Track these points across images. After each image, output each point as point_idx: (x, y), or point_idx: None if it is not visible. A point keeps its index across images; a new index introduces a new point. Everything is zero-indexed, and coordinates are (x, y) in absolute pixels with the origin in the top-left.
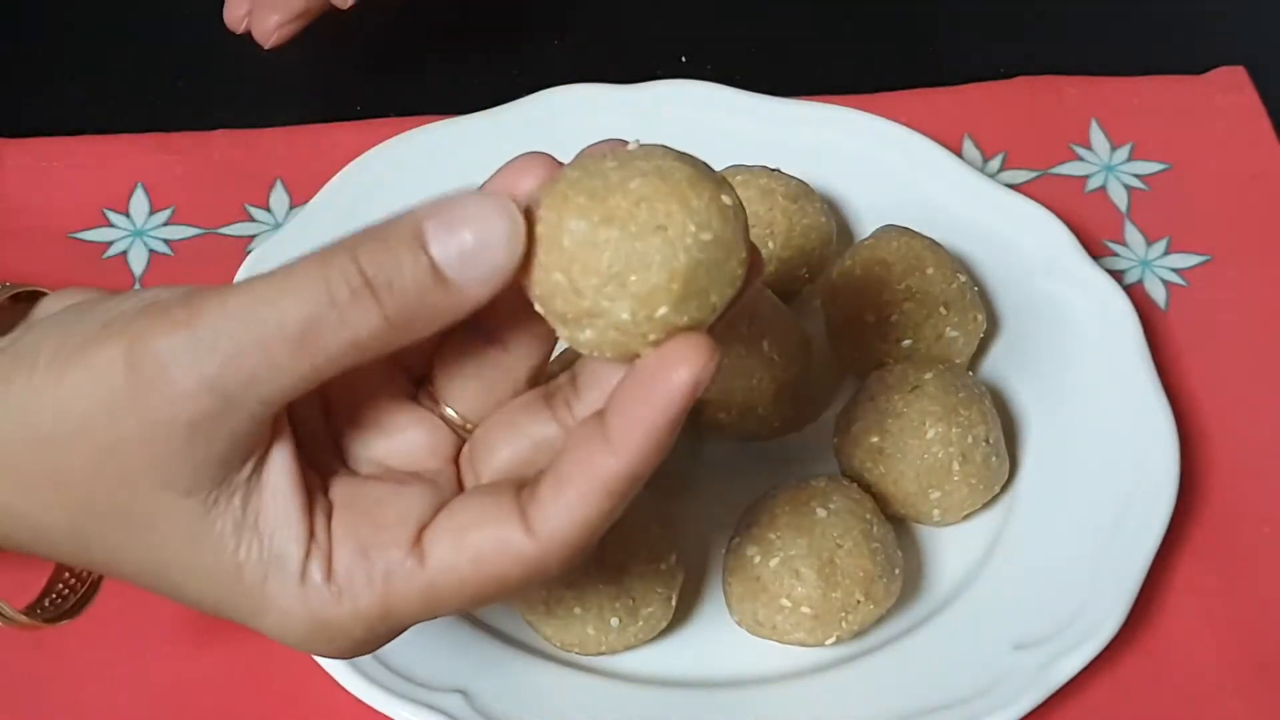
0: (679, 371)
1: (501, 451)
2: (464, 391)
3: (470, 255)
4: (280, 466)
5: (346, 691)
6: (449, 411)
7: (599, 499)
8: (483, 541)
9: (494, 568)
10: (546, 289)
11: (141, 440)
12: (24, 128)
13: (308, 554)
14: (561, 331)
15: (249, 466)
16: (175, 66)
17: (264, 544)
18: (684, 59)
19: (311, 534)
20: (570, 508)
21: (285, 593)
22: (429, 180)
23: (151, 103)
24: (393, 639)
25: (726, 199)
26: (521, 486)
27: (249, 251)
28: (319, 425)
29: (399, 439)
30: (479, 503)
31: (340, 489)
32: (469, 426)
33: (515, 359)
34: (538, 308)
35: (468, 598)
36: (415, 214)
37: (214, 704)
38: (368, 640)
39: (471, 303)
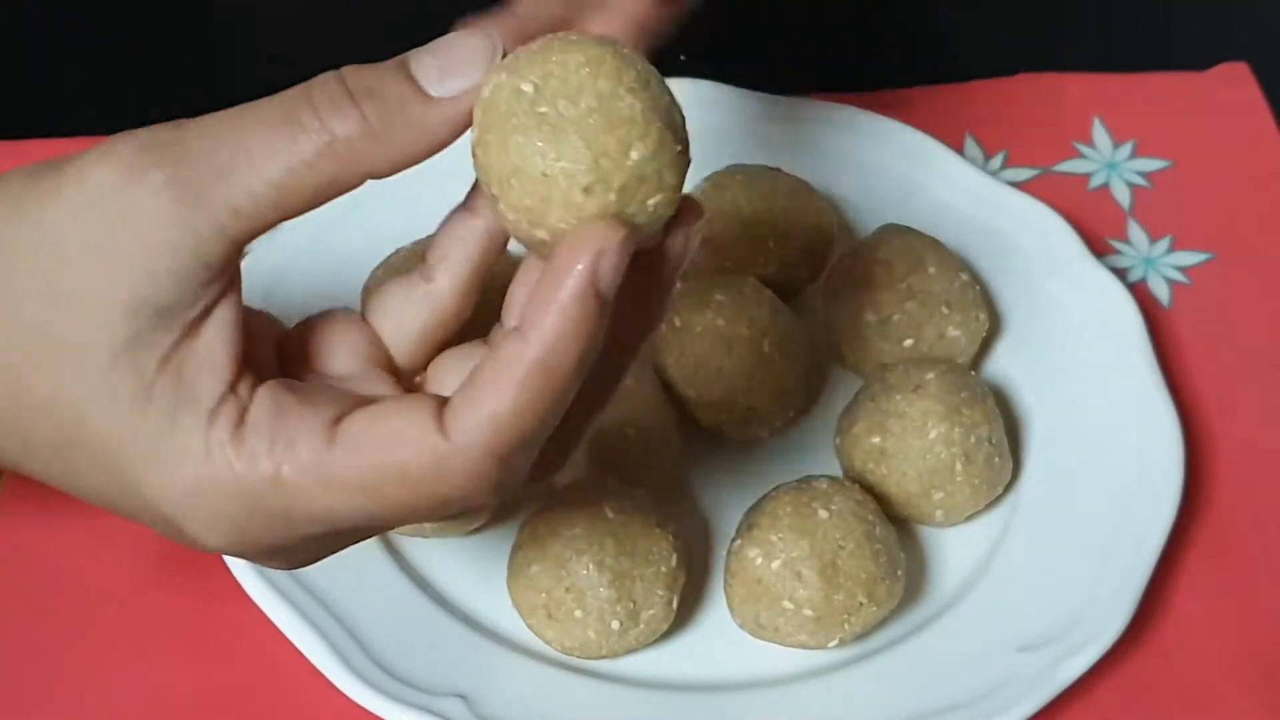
0: (583, 248)
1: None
2: (396, 322)
3: (448, 69)
4: (220, 321)
5: (345, 696)
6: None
7: (511, 391)
8: (391, 425)
9: (398, 454)
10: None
11: (107, 242)
12: (21, 130)
13: (222, 399)
14: (492, 200)
15: (193, 311)
16: (173, 67)
17: (183, 380)
18: (683, 58)
19: (233, 387)
20: (480, 400)
21: (188, 430)
22: (427, 177)
23: (149, 104)
24: (271, 545)
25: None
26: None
27: (246, 252)
28: (268, 344)
29: (346, 348)
30: (398, 400)
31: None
32: (401, 366)
33: (440, 290)
34: (478, 173)
35: (368, 486)
36: (404, 55)
37: (212, 708)
38: (246, 526)
39: (449, 121)
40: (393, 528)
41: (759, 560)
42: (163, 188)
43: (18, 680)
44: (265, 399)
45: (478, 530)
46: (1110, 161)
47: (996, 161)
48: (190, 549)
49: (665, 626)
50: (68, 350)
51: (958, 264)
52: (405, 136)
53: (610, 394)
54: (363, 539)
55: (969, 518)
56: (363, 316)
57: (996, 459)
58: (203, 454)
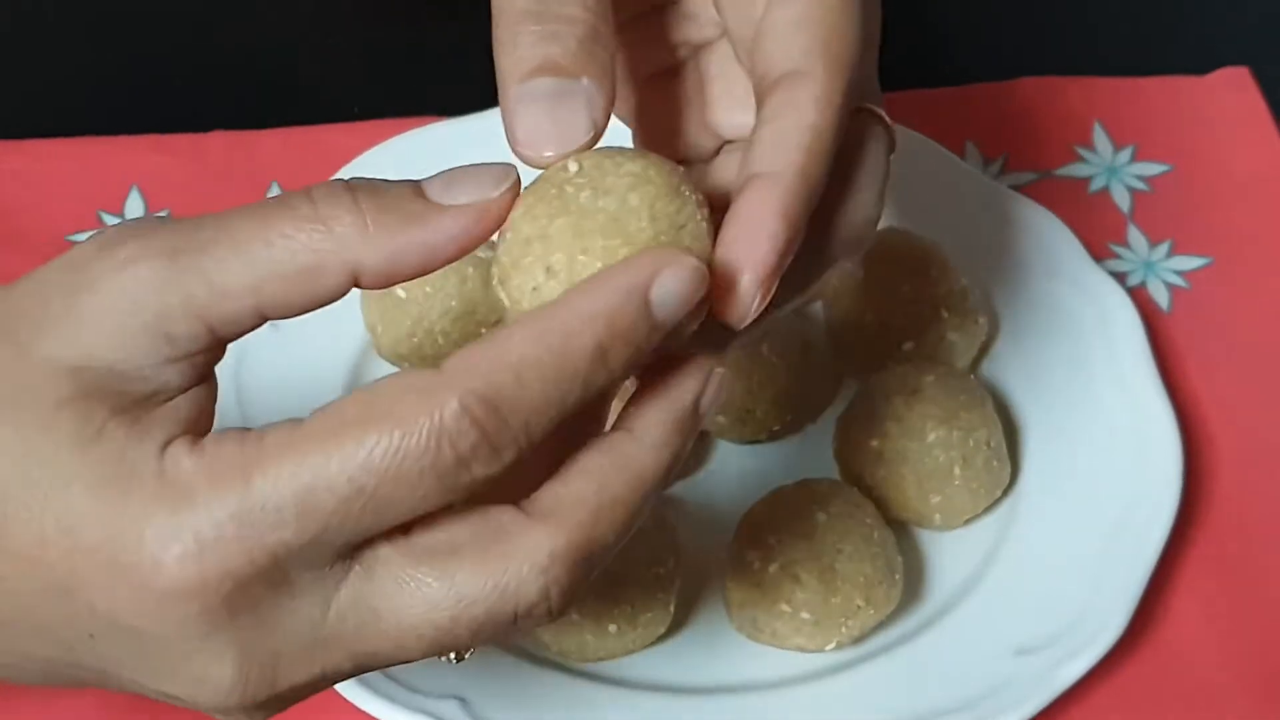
0: (645, 257)
1: None
2: None
3: (456, 180)
4: (184, 405)
5: (342, 698)
6: None
7: (527, 340)
8: (379, 382)
9: (387, 391)
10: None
11: (63, 301)
12: (18, 129)
13: (181, 434)
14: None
15: (151, 384)
16: (171, 67)
17: (135, 421)
18: None
19: (192, 430)
20: (488, 343)
21: (140, 458)
22: None
23: (147, 104)
24: (259, 566)
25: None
26: None
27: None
28: None
29: None
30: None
31: None
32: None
33: None
34: (495, 278)
35: (348, 425)
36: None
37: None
38: (221, 551)
39: (448, 235)
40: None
41: (756, 563)
42: (134, 255)
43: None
44: (225, 432)
45: None
46: (1110, 165)
47: (997, 165)
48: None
49: (663, 629)
50: (11, 400)
51: (957, 268)
52: (400, 237)
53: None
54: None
55: (967, 521)
56: None
57: (995, 462)
58: (154, 471)
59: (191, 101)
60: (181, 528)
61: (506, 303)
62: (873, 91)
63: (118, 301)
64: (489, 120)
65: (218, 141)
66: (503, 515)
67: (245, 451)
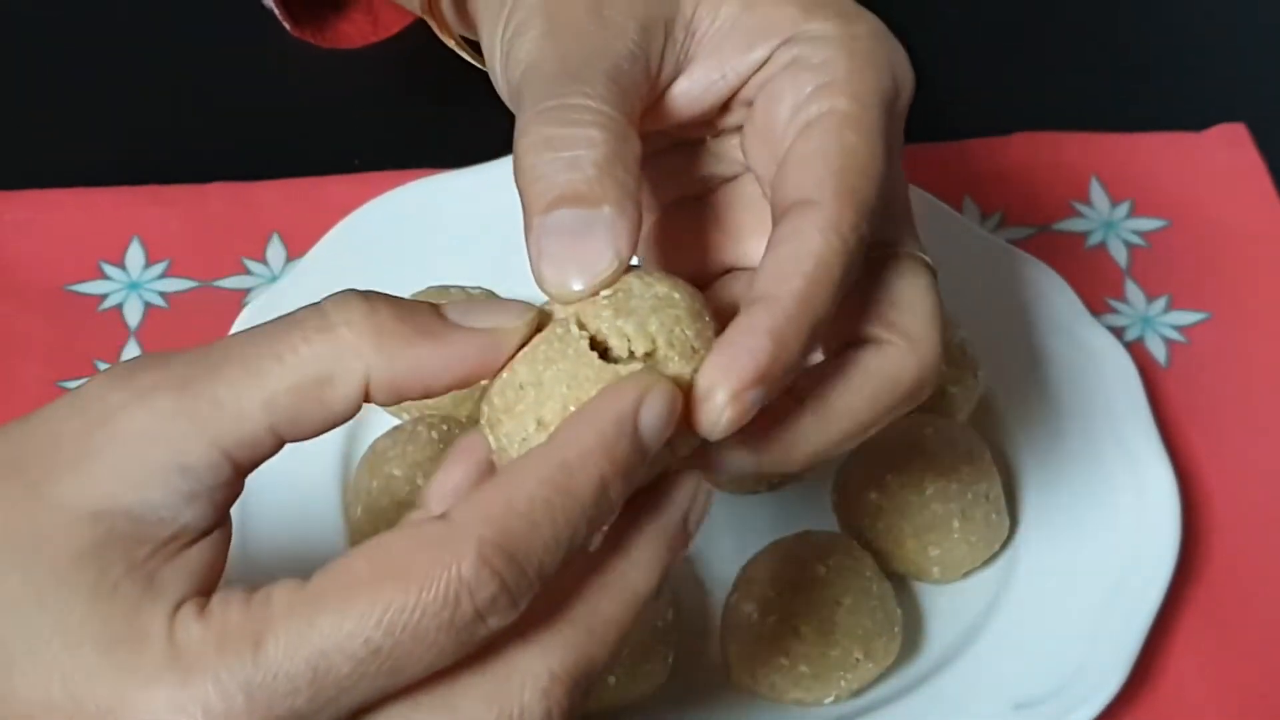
0: (629, 386)
1: None
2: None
3: (474, 308)
4: (203, 552)
5: None
6: None
7: (533, 482)
8: (384, 537)
9: (397, 549)
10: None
11: (79, 441)
12: (19, 180)
13: (193, 595)
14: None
15: (171, 526)
16: (171, 119)
17: (150, 582)
18: None
19: (204, 591)
20: (495, 489)
21: (150, 616)
22: (426, 234)
23: (147, 155)
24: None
25: None
26: None
27: (245, 304)
28: None
29: None
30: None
31: None
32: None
33: None
34: (483, 417)
35: (357, 588)
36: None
37: None
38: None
39: (464, 349)
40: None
41: (755, 615)
42: (147, 387)
43: None
44: (231, 591)
45: None
46: (1108, 221)
47: (994, 220)
48: None
49: (661, 681)
50: (26, 548)
51: (955, 321)
52: (413, 343)
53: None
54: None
55: (966, 574)
56: None
57: (994, 516)
58: (164, 636)
59: (192, 153)
60: (191, 700)
61: (493, 445)
62: (910, 237)
63: (132, 438)
64: (489, 173)
65: (218, 193)
66: (501, 640)
67: (253, 615)
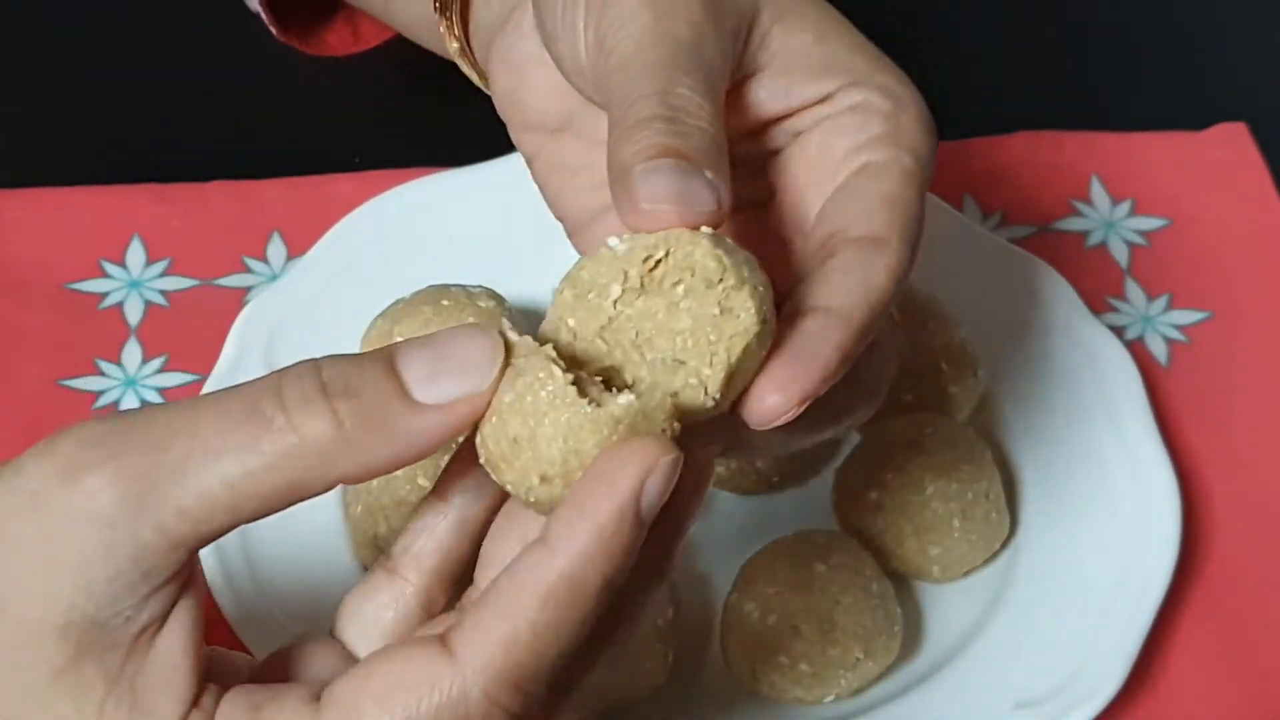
0: (631, 461)
1: None
2: (368, 639)
3: (440, 373)
4: (176, 631)
5: None
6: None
7: (534, 606)
8: (389, 668)
9: (402, 698)
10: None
11: (39, 545)
12: (20, 178)
13: (185, 716)
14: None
15: (144, 617)
16: (172, 118)
17: (138, 702)
18: None
19: (196, 701)
20: (499, 617)
21: None
22: (426, 232)
23: (148, 154)
24: None
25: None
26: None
27: (246, 303)
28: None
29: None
30: (394, 648)
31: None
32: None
33: (406, 590)
34: (482, 456)
35: None
36: (392, 344)
37: None
38: None
39: (432, 433)
40: None
41: (755, 614)
42: (102, 488)
43: None
44: (235, 699)
45: None
46: (1108, 220)
47: (995, 219)
48: None
49: (661, 680)
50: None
51: (956, 321)
52: (382, 446)
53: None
54: None
55: (966, 573)
56: (334, 634)
57: (994, 515)
58: None
59: (193, 151)
60: None
61: (495, 479)
62: None
63: (92, 549)
64: (489, 173)
65: (219, 191)
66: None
67: None
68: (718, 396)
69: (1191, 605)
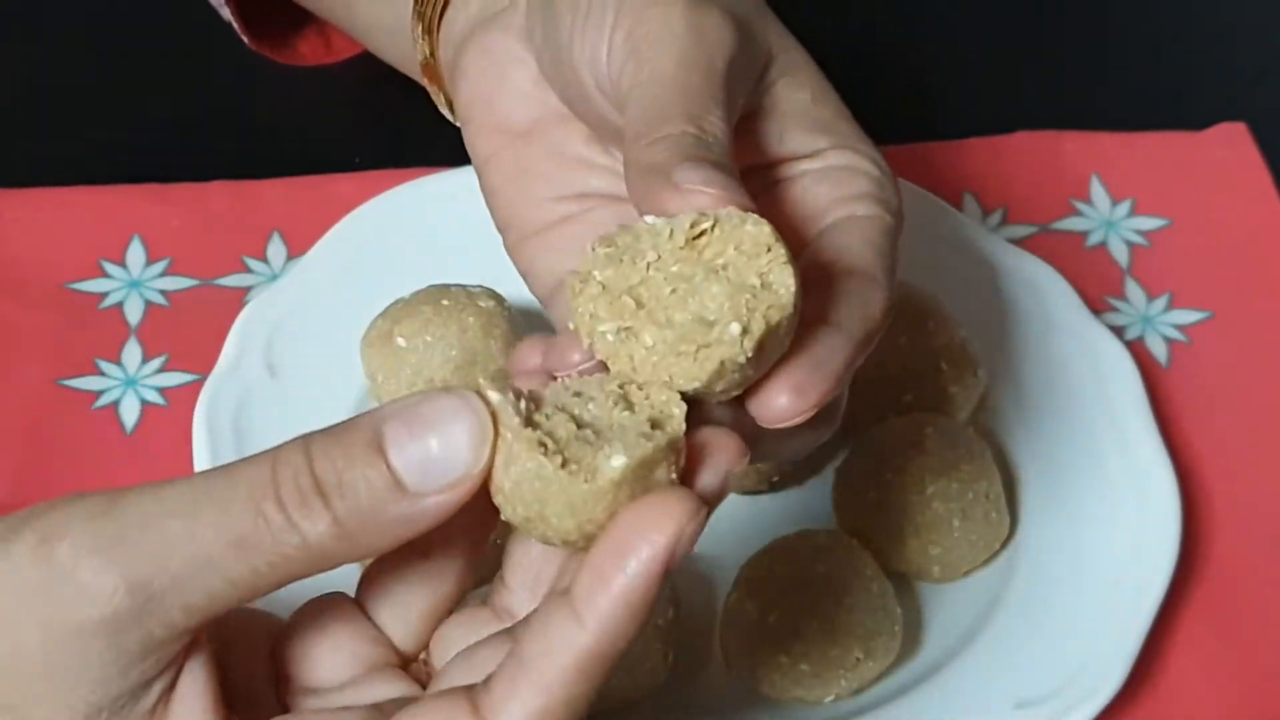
0: (660, 524)
1: (454, 673)
2: (394, 607)
3: (432, 462)
4: (191, 690)
5: None
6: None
7: (566, 681)
8: None
9: None
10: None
11: (44, 646)
12: (20, 178)
13: None
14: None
15: (156, 690)
16: (173, 117)
17: None
18: None
19: None
20: (533, 692)
21: None
22: (426, 232)
23: (148, 154)
24: None
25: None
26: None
27: (246, 303)
28: (260, 656)
29: (343, 655)
30: (421, 707)
31: None
32: (403, 649)
33: (439, 567)
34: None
35: None
36: (377, 414)
37: None
38: None
39: (432, 515)
40: None
41: (755, 614)
42: (107, 600)
43: None
44: None
45: None
46: (1108, 219)
47: (995, 218)
48: None
49: (661, 679)
50: None
51: (956, 320)
52: (381, 536)
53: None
54: None
55: (966, 573)
56: (358, 601)
57: (994, 514)
58: None
59: (193, 151)
60: None
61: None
62: None
63: (102, 651)
64: None
65: (219, 191)
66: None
67: None
68: (750, 353)
69: (1191, 605)
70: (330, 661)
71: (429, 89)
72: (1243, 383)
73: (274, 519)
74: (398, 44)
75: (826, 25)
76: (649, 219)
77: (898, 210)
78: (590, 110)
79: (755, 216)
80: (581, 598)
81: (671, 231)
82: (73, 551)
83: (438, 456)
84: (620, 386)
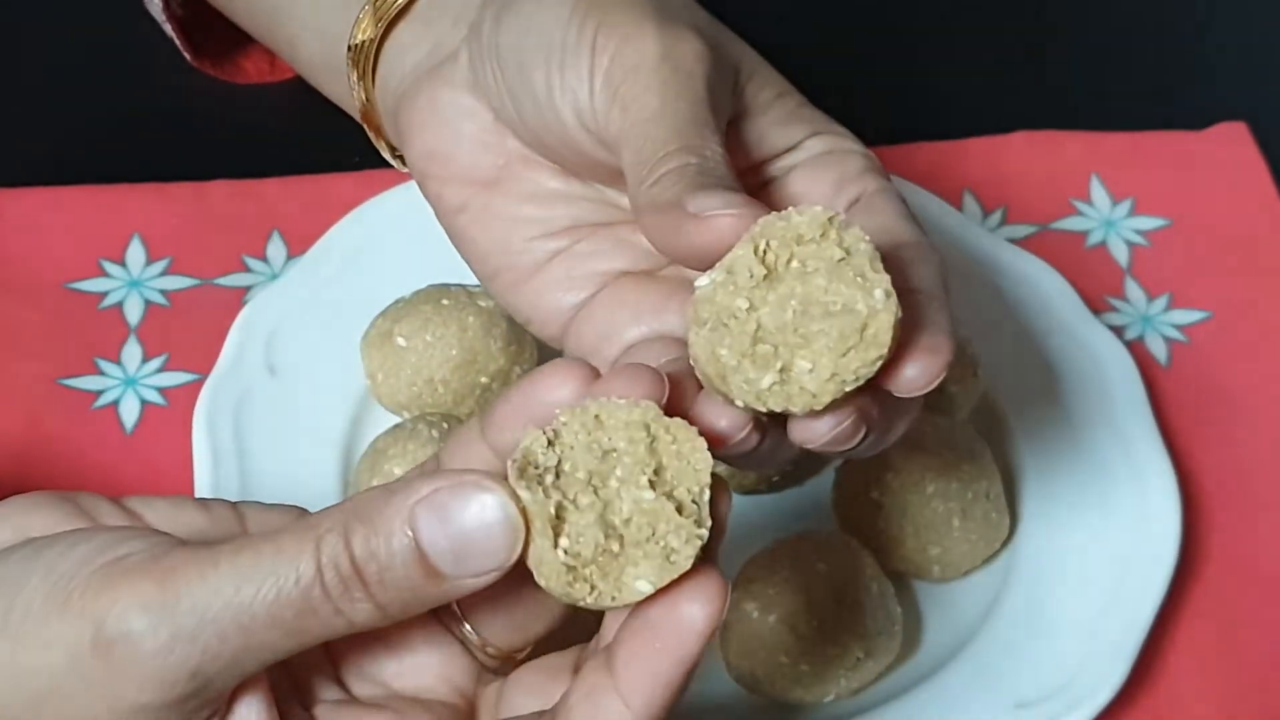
0: (693, 614)
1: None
2: (493, 618)
3: (465, 552)
4: (248, 712)
5: None
6: (469, 630)
7: None
8: None
9: None
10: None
11: (110, 714)
12: (20, 177)
13: None
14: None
15: (209, 709)
16: (173, 116)
17: None
18: None
19: None
20: None
21: None
22: (426, 232)
23: (149, 152)
24: None
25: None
26: None
27: (246, 302)
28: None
29: (409, 660)
30: None
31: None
32: (490, 650)
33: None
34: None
35: None
36: (410, 492)
37: None
38: None
39: (471, 588)
40: None
41: (755, 613)
42: (174, 686)
43: None
44: None
45: None
46: (1108, 219)
47: (995, 218)
48: None
49: None
50: None
51: (956, 321)
52: (423, 607)
53: None
54: None
55: (966, 573)
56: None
57: (994, 514)
58: None
59: (193, 150)
60: None
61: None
62: None
63: (154, 714)
64: None
65: (220, 190)
66: None
67: None
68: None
69: (1191, 605)
70: (411, 675)
71: (369, 133)
72: (1243, 383)
73: (322, 609)
74: (339, 83)
75: (827, 25)
76: (700, 282)
77: (892, 181)
78: (569, 151)
79: (795, 217)
80: (624, 677)
81: (751, 272)
82: (134, 653)
83: (472, 551)
84: (647, 427)
